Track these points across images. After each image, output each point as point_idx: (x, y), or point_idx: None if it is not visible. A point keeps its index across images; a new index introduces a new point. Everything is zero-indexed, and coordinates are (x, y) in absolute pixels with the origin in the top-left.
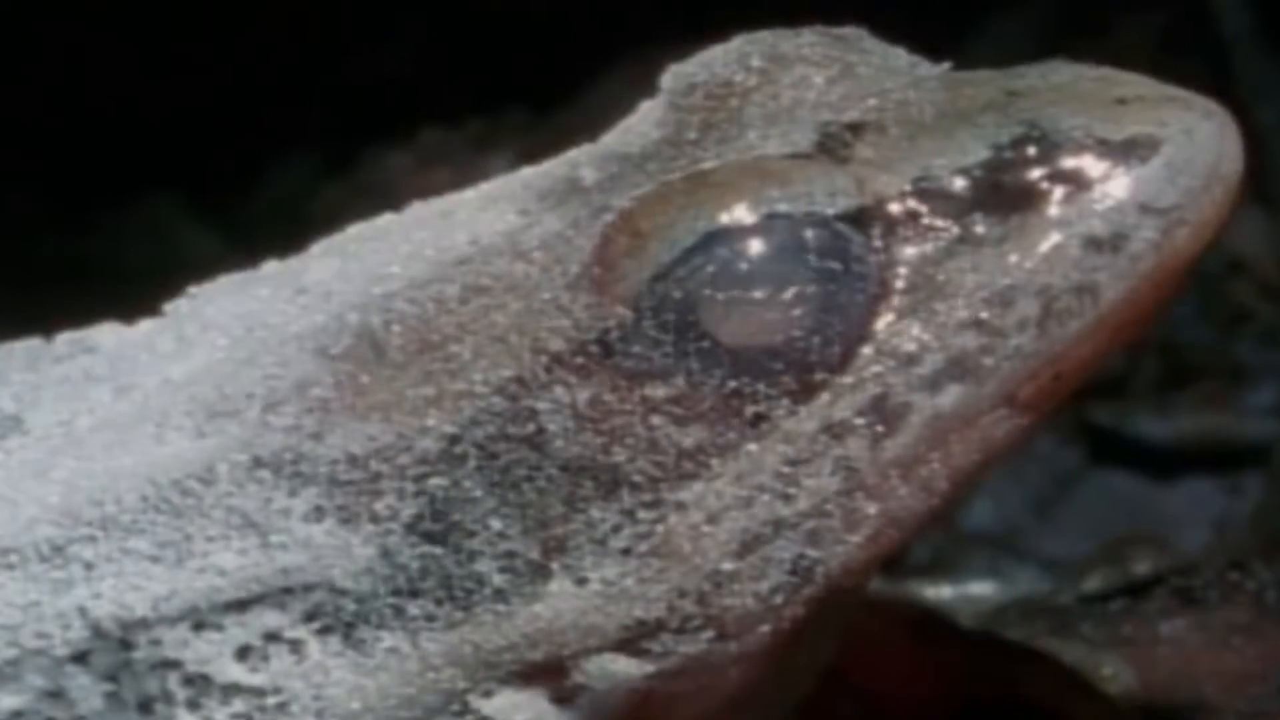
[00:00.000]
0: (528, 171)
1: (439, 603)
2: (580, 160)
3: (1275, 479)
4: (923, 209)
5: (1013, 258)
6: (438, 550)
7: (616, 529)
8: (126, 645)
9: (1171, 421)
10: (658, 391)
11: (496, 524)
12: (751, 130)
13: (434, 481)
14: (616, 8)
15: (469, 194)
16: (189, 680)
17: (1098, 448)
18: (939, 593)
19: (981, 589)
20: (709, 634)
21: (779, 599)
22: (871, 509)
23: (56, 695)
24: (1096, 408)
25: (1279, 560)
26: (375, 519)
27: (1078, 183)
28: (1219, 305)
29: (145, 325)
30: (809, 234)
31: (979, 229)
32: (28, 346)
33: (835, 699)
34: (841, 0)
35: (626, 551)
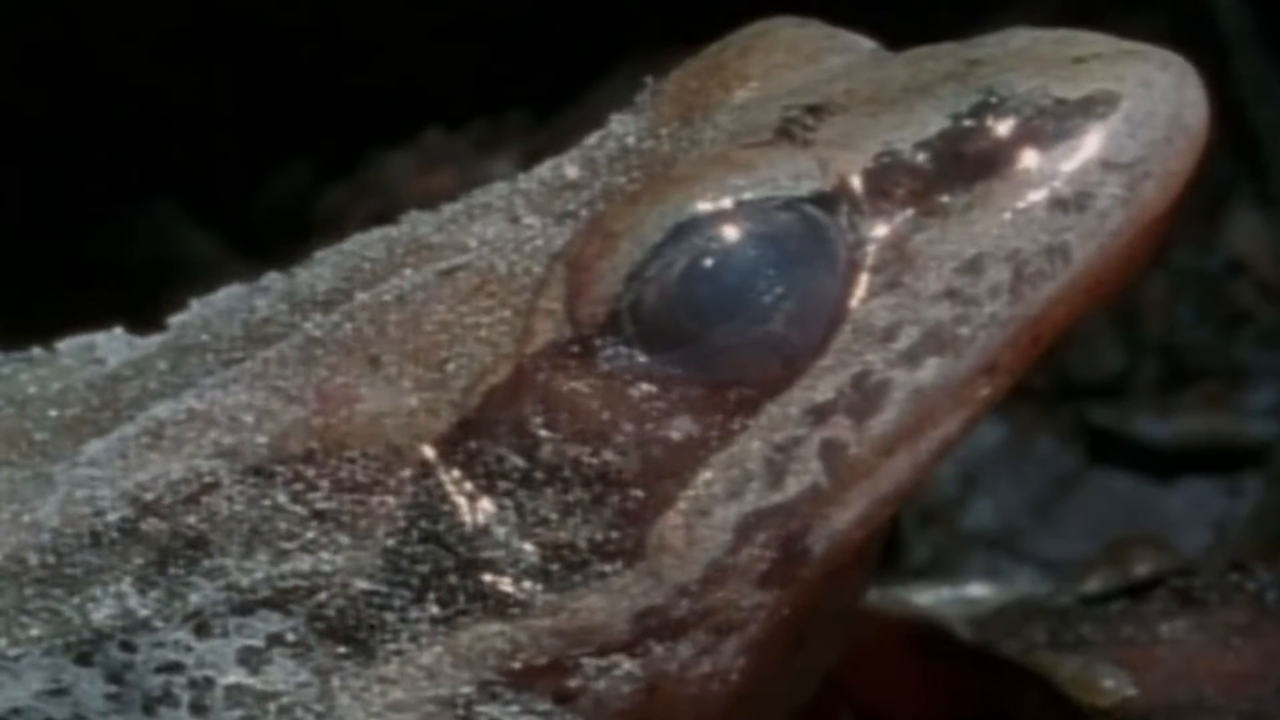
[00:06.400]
0: (518, 176)
1: (442, 605)
2: (564, 164)
3: (1275, 479)
4: (887, 184)
5: (980, 225)
6: (439, 554)
7: (611, 528)
8: (129, 648)
9: (1171, 422)
10: (640, 389)
11: (494, 528)
12: (720, 123)
13: (432, 486)
14: (619, 10)
15: (459, 203)
16: (193, 683)
17: (1098, 448)
18: (938, 594)
19: (981, 590)
20: (709, 628)
21: (775, 586)
22: (860, 488)
23: (58, 694)
24: (1096, 408)
25: (1279, 561)
26: (376, 523)
27: (1039, 145)
28: (1219, 305)
29: (149, 341)
30: (777, 219)
31: (944, 199)
32: (32, 355)
33: (834, 709)
34: (841, 1)
35: (622, 550)
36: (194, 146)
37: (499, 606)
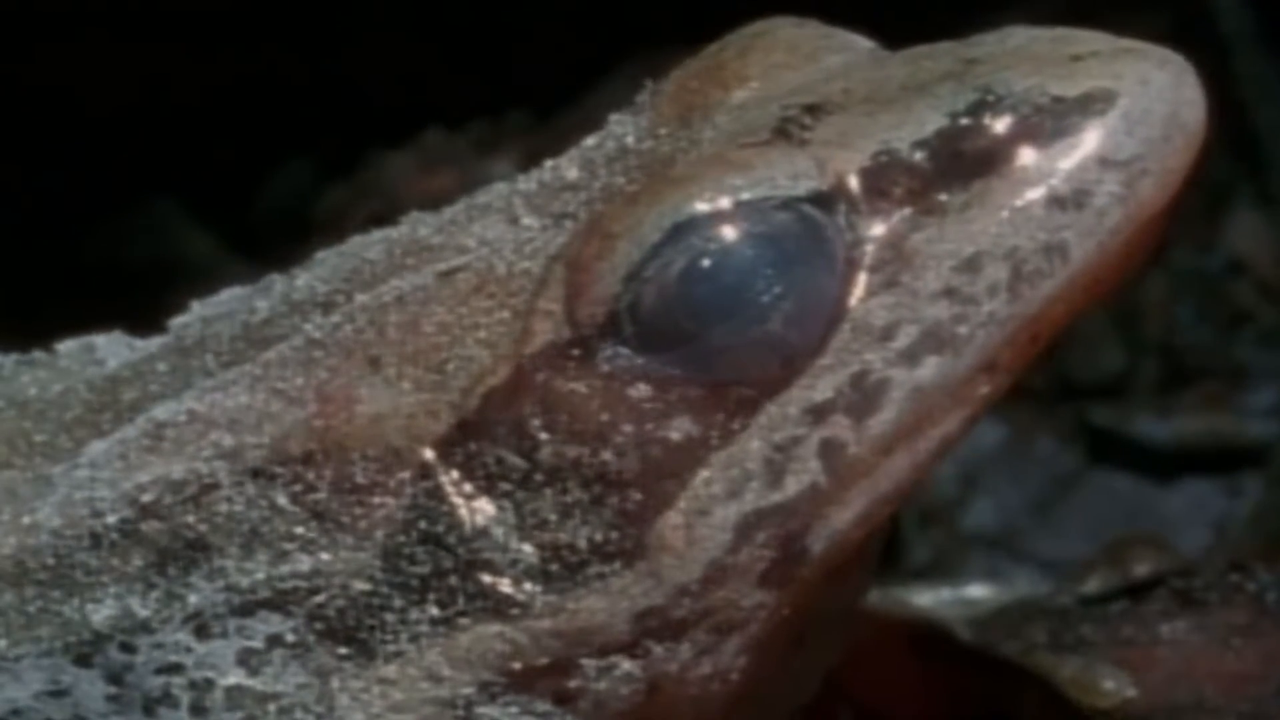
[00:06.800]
0: (518, 177)
1: (441, 606)
2: (564, 164)
3: (1275, 480)
4: (885, 183)
5: (978, 223)
6: (438, 555)
7: (611, 528)
8: (129, 649)
9: (1171, 422)
10: (639, 389)
11: (494, 529)
12: (719, 123)
13: (431, 487)
14: (619, 10)
15: (459, 204)
16: (193, 684)
17: (1098, 448)
18: (938, 595)
19: (980, 591)
20: (709, 628)
21: (775, 586)
22: (859, 487)
23: (58, 695)
24: (1096, 408)
25: (1279, 561)
26: (376, 524)
27: (1036, 143)
28: (1219, 306)
29: (149, 343)
30: (774, 218)
31: (942, 197)
32: (33, 357)
33: (834, 709)
34: (840, 1)
35: (622, 551)
36: (194, 146)
37: (499, 607)
